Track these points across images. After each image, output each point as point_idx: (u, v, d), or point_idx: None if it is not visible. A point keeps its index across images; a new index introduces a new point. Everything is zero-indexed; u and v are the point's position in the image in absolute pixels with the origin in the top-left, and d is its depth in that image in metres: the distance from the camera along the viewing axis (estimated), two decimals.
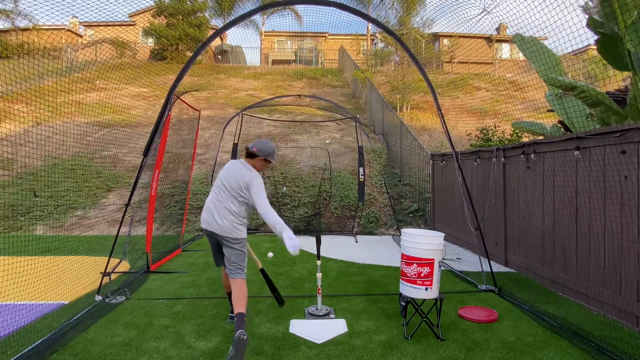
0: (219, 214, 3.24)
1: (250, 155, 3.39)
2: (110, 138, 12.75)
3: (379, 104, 13.64)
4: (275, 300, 3.69)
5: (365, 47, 24.74)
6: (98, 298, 4.14)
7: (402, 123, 10.89)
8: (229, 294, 3.45)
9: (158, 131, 4.68)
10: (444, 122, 4.79)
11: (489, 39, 27.36)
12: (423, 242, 3.23)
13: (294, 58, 29.17)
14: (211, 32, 23.47)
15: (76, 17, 22.29)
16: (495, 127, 8.80)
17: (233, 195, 3.26)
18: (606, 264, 3.79)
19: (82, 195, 9.86)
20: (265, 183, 11.35)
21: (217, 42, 26.36)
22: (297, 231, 8.62)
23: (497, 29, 26.54)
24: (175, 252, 6.49)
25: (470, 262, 5.87)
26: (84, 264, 5.53)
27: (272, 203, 10.62)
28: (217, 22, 26.78)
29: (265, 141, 3.44)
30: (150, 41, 25.22)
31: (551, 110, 7.05)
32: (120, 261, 4.81)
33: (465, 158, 7.06)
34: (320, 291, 3.87)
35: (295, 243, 2.90)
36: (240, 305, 3.07)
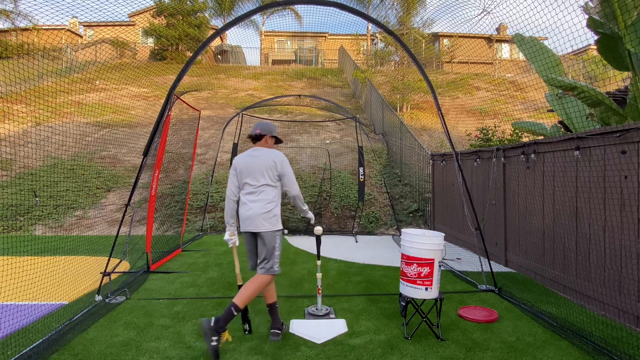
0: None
1: (257, 138, 3.33)
2: (110, 138, 12.75)
3: (379, 104, 13.64)
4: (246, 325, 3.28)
5: (365, 47, 24.73)
6: (98, 298, 4.14)
7: (402, 123, 10.89)
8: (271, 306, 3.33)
9: (158, 131, 4.68)
10: (444, 122, 4.79)
11: (489, 39, 27.38)
12: (423, 242, 3.22)
13: (294, 58, 29.18)
14: (211, 32, 23.48)
15: (76, 18, 22.26)
16: (495, 127, 8.80)
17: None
18: (606, 263, 3.79)
19: (81, 195, 9.86)
20: None
21: (217, 42, 26.39)
22: (297, 231, 8.63)
23: (497, 29, 26.56)
24: (175, 252, 6.49)
25: (470, 262, 5.87)
26: (84, 264, 5.53)
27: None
28: (217, 22, 26.82)
29: (264, 122, 3.45)
30: (150, 41, 25.23)
31: (551, 110, 7.05)
32: (120, 261, 4.81)
33: (465, 158, 7.06)
34: (320, 291, 3.87)
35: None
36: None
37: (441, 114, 4.80)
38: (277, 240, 3.15)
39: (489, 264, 4.73)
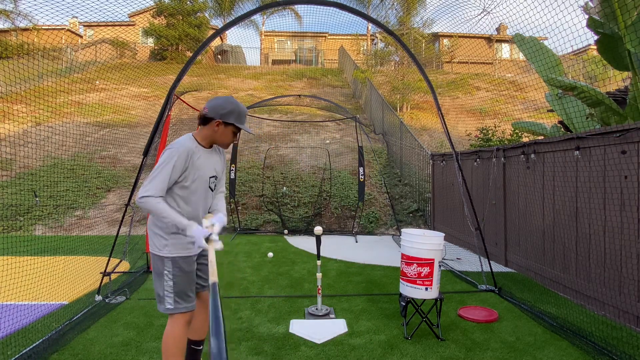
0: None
1: (202, 121, 2.21)
2: (110, 138, 12.75)
3: (379, 104, 13.64)
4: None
5: (365, 47, 24.74)
6: (98, 298, 4.14)
7: (402, 123, 10.89)
8: (196, 343, 2.50)
9: (158, 131, 4.68)
10: (444, 122, 4.79)
11: (489, 39, 27.39)
12: (423, 242, 3.22)
13: (294, 58, 29.19)
14: (211, 32, 23.47)
15: (76, 18, 22.27)
16: (495, 127, 8.80)
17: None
18: (606, 263, 3.79)
19: (81, 195, 9.86)
20: (264, 183, 11.31)
21: (217, 42, 26.37)
22: (297, 231, 8.62)
23: (497, 29, 26.56)
24: None
25: (470, 262, 5.87)
26: (84, 264, 5.53)
27: (272, 203, 10.52)
28: (217, 22, 26.83)
29: (222, 97, 2.24)
30: (150, 41, 25.24)
31: (551, 110, 7.05)
32: (120, 261, 4.81)
33: (465, 158, 7.06)
34: (320, 291, 3.87)
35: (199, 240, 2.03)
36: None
37: (441, 114, 4.81)
38: (163, 267, 2.18)
39: (489, 264, 4.73)
